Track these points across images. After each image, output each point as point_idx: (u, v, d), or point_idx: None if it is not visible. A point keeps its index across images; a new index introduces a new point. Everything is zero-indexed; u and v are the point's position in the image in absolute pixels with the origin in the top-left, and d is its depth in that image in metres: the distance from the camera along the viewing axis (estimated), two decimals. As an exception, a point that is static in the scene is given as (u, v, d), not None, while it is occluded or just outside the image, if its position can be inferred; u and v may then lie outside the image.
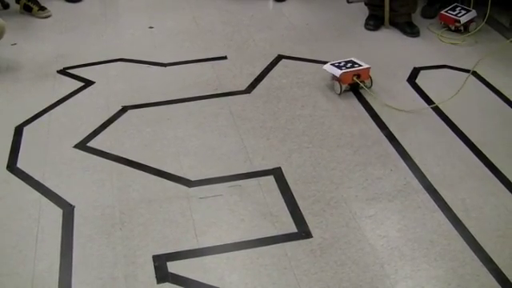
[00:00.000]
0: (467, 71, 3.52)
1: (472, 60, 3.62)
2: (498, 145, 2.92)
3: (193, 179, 2.77)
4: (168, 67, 3.72)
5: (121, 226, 2.52)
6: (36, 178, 2.81)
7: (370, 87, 3.38)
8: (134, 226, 2.52)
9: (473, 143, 2.93)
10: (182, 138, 3.06)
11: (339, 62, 3.41)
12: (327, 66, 3.41)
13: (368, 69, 3.37)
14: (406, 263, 2.31)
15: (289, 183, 2.72)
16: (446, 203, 2.58)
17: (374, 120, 3.13)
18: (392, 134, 3.02)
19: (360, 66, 3.37)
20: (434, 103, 3.23)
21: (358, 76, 3.33)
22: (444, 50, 3.79)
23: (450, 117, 3.13)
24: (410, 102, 3.27)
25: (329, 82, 3.44)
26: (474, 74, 3.50)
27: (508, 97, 3.28)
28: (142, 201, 2.65)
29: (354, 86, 3.35)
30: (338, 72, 3.32)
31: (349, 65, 3.38)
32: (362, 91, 3.35)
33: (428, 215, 2.52)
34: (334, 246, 2.39)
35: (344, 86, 3.34)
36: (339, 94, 3.35)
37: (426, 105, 3.23)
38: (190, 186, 2.72)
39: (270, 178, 2.76)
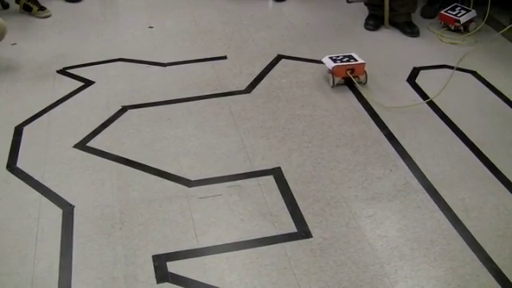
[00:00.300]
0: (467, 71, 3.52)
1: (472, 60, 3.63)
2: (497, 145, 2.92)
3: (192, 179, 2.77)
4: (168, 67, 3.72)
5: (120, 226, 2.52)
6: (36, 178, 2.81)
7: (365, 83, 3.41)
8: (134, 225, 2.52)
9: (473, 143, 2.93)
10: (181, 137, 3.06)
11: (337, 56, 3.46)
12: (325, 59, 3.48)
13: (363, 64, 3.40)
14: (406, 263, 2.31)
15: (288, 183, 2.72)
16: (445, 203, 2.58)
17: (374, 120, 3.13)
18: (392, 134, 3.02)
19: (356, 60, 3.41)
20: (434, 103, 3.23)
21: (352, 71, 3.37)
22: (444, 49, 3.79)
23: (450, 116, 3.13)
24: (409, 101, 3.27)
25: (327, 75, 3.48)
26: (475, 73, 3.51)
27: (508, 97, 3.28)
28: (141, 201, 2.65)
29: (349, 80, 3.39)
30: (331, 65, 3.39)
31: (345, 59, 3.42)
32: (362, 91, 3.35)
33: (428, 215, 2.52)
34: (333, 246, 2.39)
35: (337, 80, 3.39)
36: (332, 87, 3.40)
37: (424, 104, 3.23)
38: (189, 186, 2.72)
39: (270, 178, 2.75)
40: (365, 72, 3.41)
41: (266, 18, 4.31)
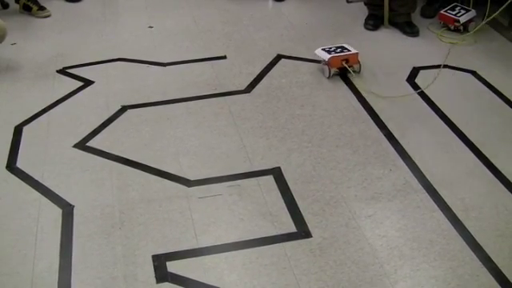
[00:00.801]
0: (467, 71, 3.52)
1: (472, 60, 3.63)
2: (497, 145, 2.92)
3: (192, 179, 2.77)
4: (167, 67, 3.72)
5: (120, 226, 2.52)
6: (35, 178, 2.81)
7: (359, 72, 3.49)
8: (134, 225, 2.52)
9: (472, 143, 2.93)
10: (181, 137, 3.06)
11: (330, 47, 3.54)
12: (318, 51, 3.54)
13: (356, 54, 3.48)
14: (406, 263, 2.31)
15: (288, 183, 2.72)
16: (445, 203, 2.58)
17: (374, 120, 3.13)
18: (391, 134, 3.02)
19: (349, 51, 3.50)
20: (433, 103, 3.23)
21: (347, 61, 3.45)
22: (443, 49, 3.78)
23: (450, 116, 3.13)
24: (409, 101, 3.27)
25: (322, 67, 3.53)
26: (474, 73, 3.51)
27: (508, 97, 3.28)
28: (141, 200, 2.65)
29: (343, 70, 3.47)
30: (326, 56, 3.46)
31: (339, 50, 3.51)
32: (362, 91, 3.35)
33: (427, 215, 2.52)
34: (333, 246, 2.39)
35: (333, 70, 3.46)
36: (328, 78, 3.46)
37: (425, 104, 3.23)
38: (189, 186, 2.72)
39: (270, 178, 2.75)
40: (358, 62, 3.49)
41: (266, 18, 4.31)
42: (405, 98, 3.28)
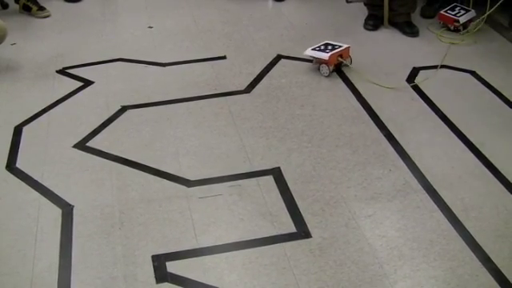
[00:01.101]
0: (466, 71, 3.53)
1: (471, 60, 3.63)
2: (497, 145, 2.92)
3: (192, 179, 2.77)
4: (167, 67, 3.72)
5: (120, 226, 2.52)
6: (35, 178, 2.81)
7: (351, 64, 3.58)
8: (134, 225, 2.52)
9: (472, 143, 2.93)
10: (181, 137, 3.06)
11: (319, 46, 3.59)
12: (309, 52, 3.58)
13: (348, 48, 3.58)
14: (405, 263, 2.31)
15: (288, 183, 2.72)
16: (445, 203, 2.58)
17: (373, 120, 3.13)
18: (391, 134, 3.02)
19: (340, 46, 3.57)
20: (433, 104, 3.23)
21: (341, 56, 3.55)
22: (443, 50, 3.78)
23: (449, 116, 3.13)
24: (408, 101, 3.27)
25: (319, 67, 3.54)
26: (474, 74, 3.51)
27: (507, 97, 3.28)
28: (141, 200, 2.65)
29: (337, 66, 3.56)
30: (325, 55, 3.50)
31: (329, 47, 3.57)
32: (361, 91, 3.35)
33: (427, 215, 2.52)
34: (333, 246, 2.39)
35: (331, 68, 3.51)
36: (327, 76, 3.49)
37: (425, 105, 3.23)
38: (189, 186, 2.72)
39: (269, 178, 2.75)
40: (349, 56, 3.58)
41: (266, 18, 4.31)
42: (405, 99, 3.29)
